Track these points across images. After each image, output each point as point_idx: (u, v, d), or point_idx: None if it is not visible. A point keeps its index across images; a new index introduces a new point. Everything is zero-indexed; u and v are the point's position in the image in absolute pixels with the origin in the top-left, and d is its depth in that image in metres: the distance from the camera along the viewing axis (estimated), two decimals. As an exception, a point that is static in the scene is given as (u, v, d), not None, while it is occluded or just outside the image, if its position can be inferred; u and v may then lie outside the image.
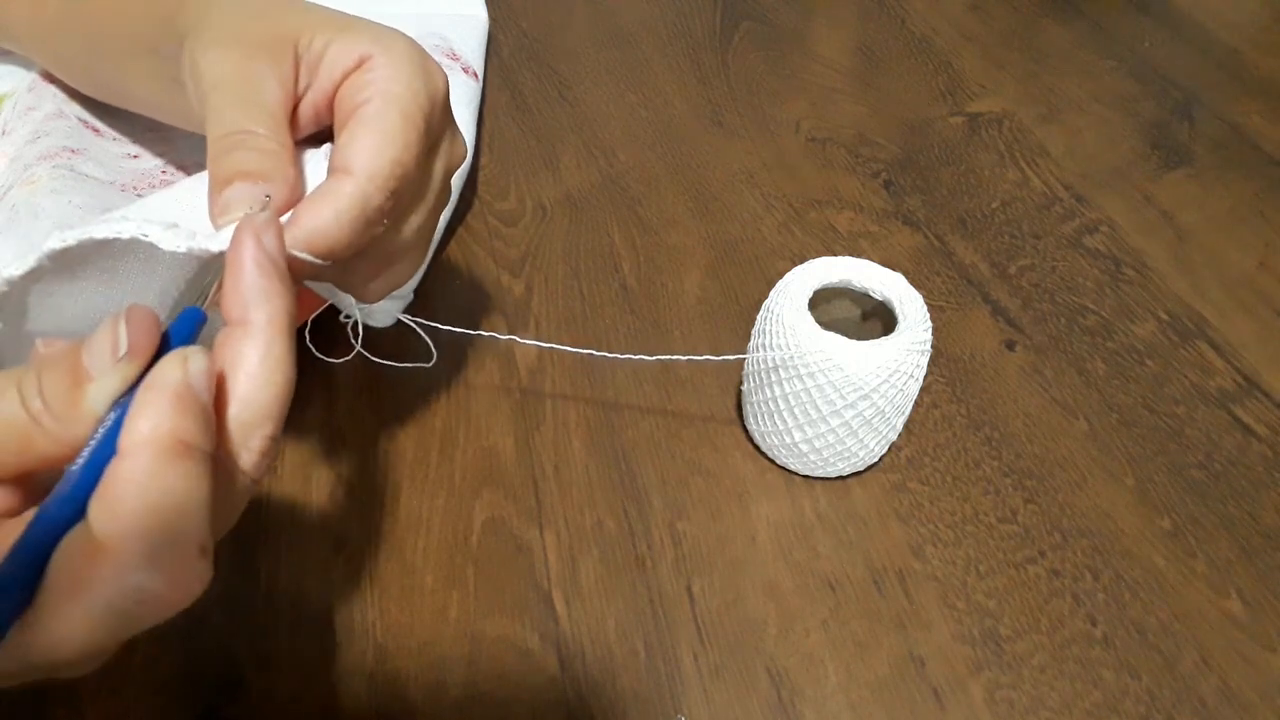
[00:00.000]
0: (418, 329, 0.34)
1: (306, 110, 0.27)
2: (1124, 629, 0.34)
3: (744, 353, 0.38)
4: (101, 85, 0.40)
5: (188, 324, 0.21)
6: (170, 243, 0.23)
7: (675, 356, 0.36)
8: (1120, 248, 0.50)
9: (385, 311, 0.39)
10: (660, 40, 0.65)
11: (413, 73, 0.26)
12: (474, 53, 0.56)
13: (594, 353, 0.36)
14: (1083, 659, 0.33)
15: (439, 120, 0.28)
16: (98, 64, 0.38)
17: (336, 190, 0.24)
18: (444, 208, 0.31)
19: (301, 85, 0.27)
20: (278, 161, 0.24)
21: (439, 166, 0.29)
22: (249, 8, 0.28)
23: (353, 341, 0.33)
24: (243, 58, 0.26)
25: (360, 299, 0.30)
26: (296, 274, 0.24)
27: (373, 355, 0.36)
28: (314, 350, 0.35)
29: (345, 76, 0.26)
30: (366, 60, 0.26)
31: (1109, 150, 0.56)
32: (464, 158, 0.30)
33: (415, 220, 0.28)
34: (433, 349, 0.38)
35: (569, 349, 0.37)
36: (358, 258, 0.27)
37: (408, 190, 0.26)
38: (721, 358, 0.36)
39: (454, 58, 0.53)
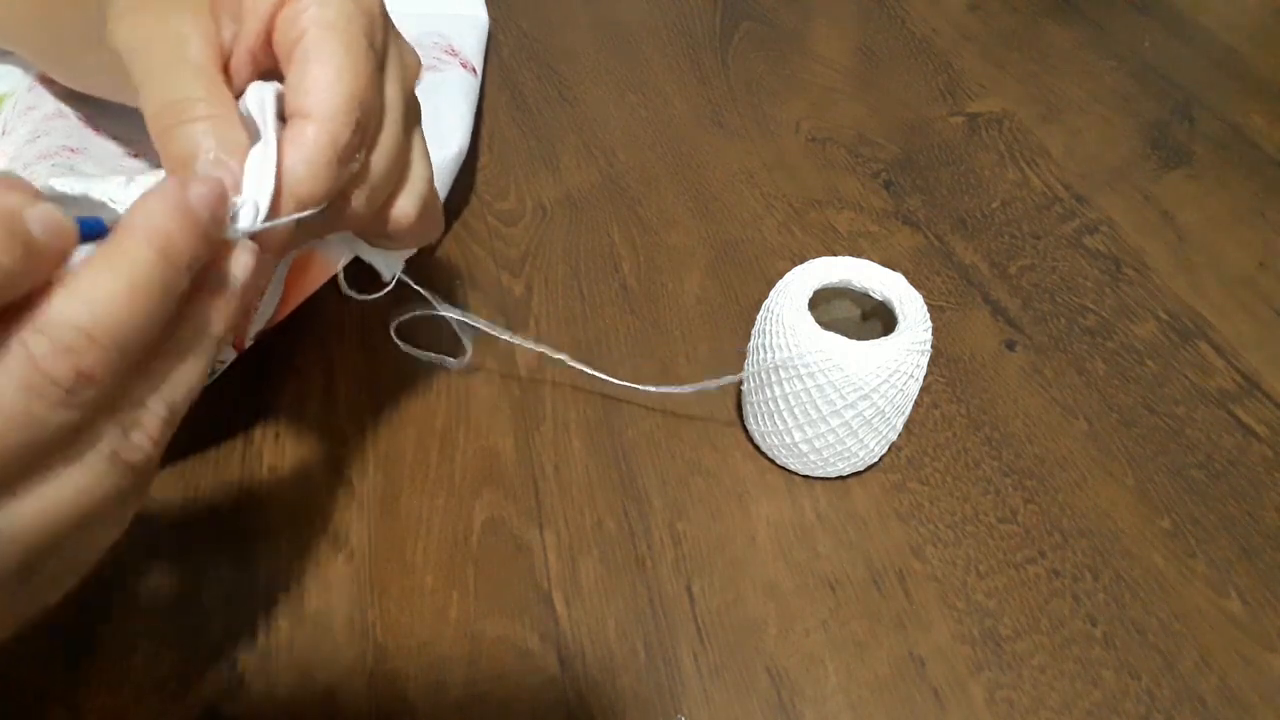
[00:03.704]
0: (440, 314, 0.34)
1: (241, 57, 0.25)
2: (1124, 629, 0.34)
3: (744, 355, 0.38)
4: (74, 76, 0.39)
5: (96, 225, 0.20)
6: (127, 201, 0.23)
7: (677, 389, 0.36)
8: (1120, 248, 0.50)
9: (389, 269, 0.38)
10: (660, 40, 0.65)
11: None
12: (473, 49, 0.56)
13: (603, 376, 0.37)
14: (1083, 659, 0.33)
15: (381, 35, 0.26)
16: (65, 55, 0.38)
17: (301, 138, 0.23)
18: (416, 123, 0.30)
19: (228, 34, 0.25)
20: (226, 129, 0.23)
21: (393, 83, 0.27)
22: None
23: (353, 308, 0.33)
24: (157, 20, 0.24)
25: (378, 240, 0.30)
26: (284, 241, 0.24)
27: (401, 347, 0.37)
28: (345, 288, 0.35)
29: (274, 13, 0.25)
30: None
31: (1109, 150, 0.56)
32: (418, 68, 0.29)
33: (387, 143, 0.27)
34: (468, 347, 0.38)
35: (583, 368, 0.37)
36: (344, 199, 0.26)
37: (371, 118, 0.25)
38: (720, 381, 0.36)
39: (452, 53, 0.53)
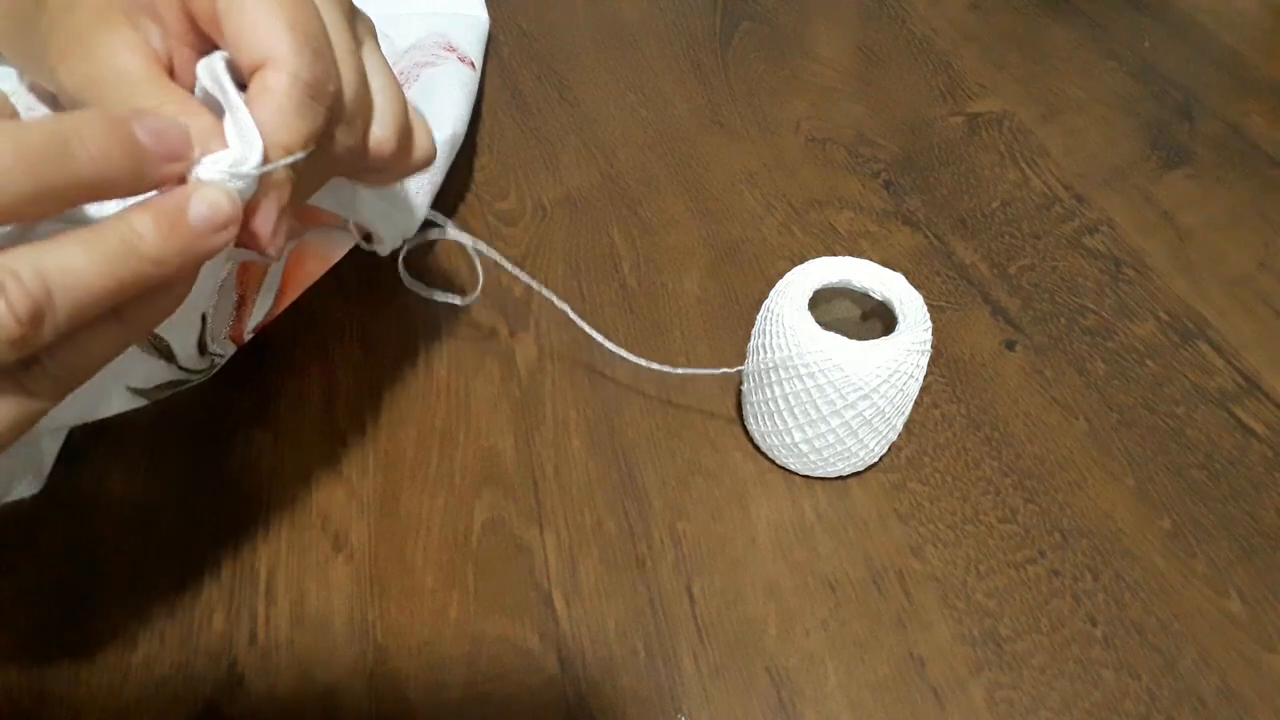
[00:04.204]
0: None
1: (181, 54, 0.25)
2: (1124, 629, 0.34)
3: (745, 354, 0.38)
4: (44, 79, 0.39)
5: None
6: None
7: (677, 370, 0.36)
8: (1120, 248, 0.50)
9: (391, 238, 0.37)
10: (660, 40, 0.65)
11: None
12: (471, 46, 0.56)
13: (611, 346, 0.36)
14: (1083, 659, 0.33)
15: None
16: (33, 63, 0.38)
17: (266, 88, 0.22)
18: (369, 40, 0.28)
19: (156, 40, 0.25)
20: (194, 120, 0.23)
21: (326, 4, 0.26)
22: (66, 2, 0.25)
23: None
24: (87, 55, 0.24)
25: (370, 178, 0.29)
26: (283, 196, 0.23)
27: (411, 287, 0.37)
28: (363, 244, 0.35)
29: None
30: None
31: (1109, 150, 0.56)
32: None
33: (344, 68, 0.25)
34: (480, 277, 0.37)
35: (584, 325, 0.37)
36: (327, 138, 0.25)
37: (324, 43, 0.24)
38: (719, 371, 0.36)
39: (450, 49, 0.53)
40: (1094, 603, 0.35)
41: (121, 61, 0.23)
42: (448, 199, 0.52)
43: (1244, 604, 0.35)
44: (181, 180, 0.21)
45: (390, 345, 0.44)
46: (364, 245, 0.35)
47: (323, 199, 0.30)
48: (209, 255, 0.21)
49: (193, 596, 0.34)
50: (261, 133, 0.22)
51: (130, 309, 0.21)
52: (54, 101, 0.43)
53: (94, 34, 0.24)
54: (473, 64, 0.54)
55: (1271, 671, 0.33)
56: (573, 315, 0.37)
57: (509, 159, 0.55)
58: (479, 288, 0.37)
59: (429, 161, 0.30)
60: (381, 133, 0.27)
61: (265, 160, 0.22)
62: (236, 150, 0.22)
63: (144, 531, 0.36)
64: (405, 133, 0.28)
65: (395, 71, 0.32)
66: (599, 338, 0.37)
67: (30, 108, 0.43)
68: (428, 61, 0.51)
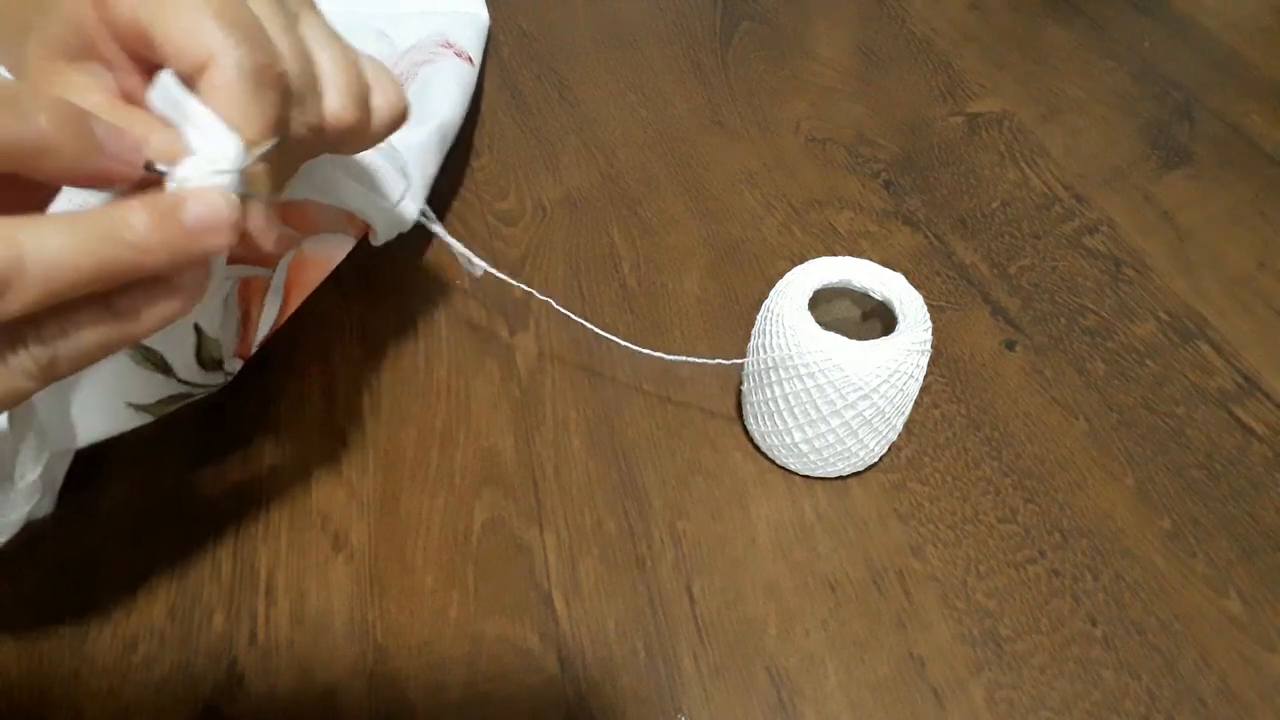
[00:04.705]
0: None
1: (129, 80, 0.25)
2: (1124, 629, 0.34)
3: (745, 354, 0.38)
4: None
5: None
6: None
7: (681, 358, 0.36)
8: (1120, 248, 0.50)
9: (384, 230, 0.37)
10: (660, 40, 0.65)
11: None
12: (469, 43, 0.56)
13: (602, 333, 0.36)
14: (1083, 659, 0.33)
15: None
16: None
17: (213, 87, 0.22)
18: (305, 10, 0.28)
19: (106, 76, 0.24)
20: (162, 139, 0.22)
21: None
22: (19, 47, 0.25)
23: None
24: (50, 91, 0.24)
25: (342, 149, 0.29)
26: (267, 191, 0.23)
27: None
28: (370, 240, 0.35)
29: (100, 21, 0.24)
30: None
31: (1109, 150, 0.56)
32: None
33: (286, 42, 0.25)
34: (470, 262, 0.36)
35: (571, 315, 0.37)
36: (284, 124, 0.25)
37: (254, 26, 0.24)
38: (717, 361, 0.37)
39: (447, 45, 0.53)
40: (1094, 603, 0.35)
41: (79, 100, 0.23)
42: (448, 199, 0.52)
43: (1244, 604, 0.35)
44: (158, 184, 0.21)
45: (390, 345, 0.44)
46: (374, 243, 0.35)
47: (301, 189, 0.30)
48: (203, 255, 0.21)
49: (193, 597, 0.34)
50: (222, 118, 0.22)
51: (121, 300, 0.21)
52: None
53: (46, 78, 0.24)
54: (470, 59, 0.54)
55: (1271, 671, 0.33)
56: (558, 307, 0.37)
57: (509, 159, 0.55)
58: (480, 268, 0.36)
59: (400, 116, 0.29)
60: (337, 103, 0.27)
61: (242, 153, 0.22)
62: (207, 151, 0.22)
63: (144, 532, 0.36)
64: (362, 97, 0.28)
65: (395, 72, 0.32)
66: (591, 327, 0.37)
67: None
68: (426, 60, 0.51)
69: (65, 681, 0.32)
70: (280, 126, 0.23)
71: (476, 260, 0.35)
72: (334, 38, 0.27)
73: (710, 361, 0.37)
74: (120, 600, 0.34)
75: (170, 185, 0.21)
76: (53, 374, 0.21)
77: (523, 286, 0.38)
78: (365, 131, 0.28)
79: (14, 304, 0.19)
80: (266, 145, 0.23)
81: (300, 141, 0.26)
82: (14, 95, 0.19)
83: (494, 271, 0.36)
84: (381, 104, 0.28)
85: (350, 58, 0.27)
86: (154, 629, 0.34)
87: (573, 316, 0.38)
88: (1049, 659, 0.33)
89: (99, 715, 0.31)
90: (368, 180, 0.34)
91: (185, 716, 0.31)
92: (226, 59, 0.22)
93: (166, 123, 0.22)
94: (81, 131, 0.20)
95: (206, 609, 0.34)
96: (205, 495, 0.38)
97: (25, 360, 0.21)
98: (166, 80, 0.22)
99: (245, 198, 0.23)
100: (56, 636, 0.33)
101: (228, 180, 0.22)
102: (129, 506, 0.37)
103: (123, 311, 0.22)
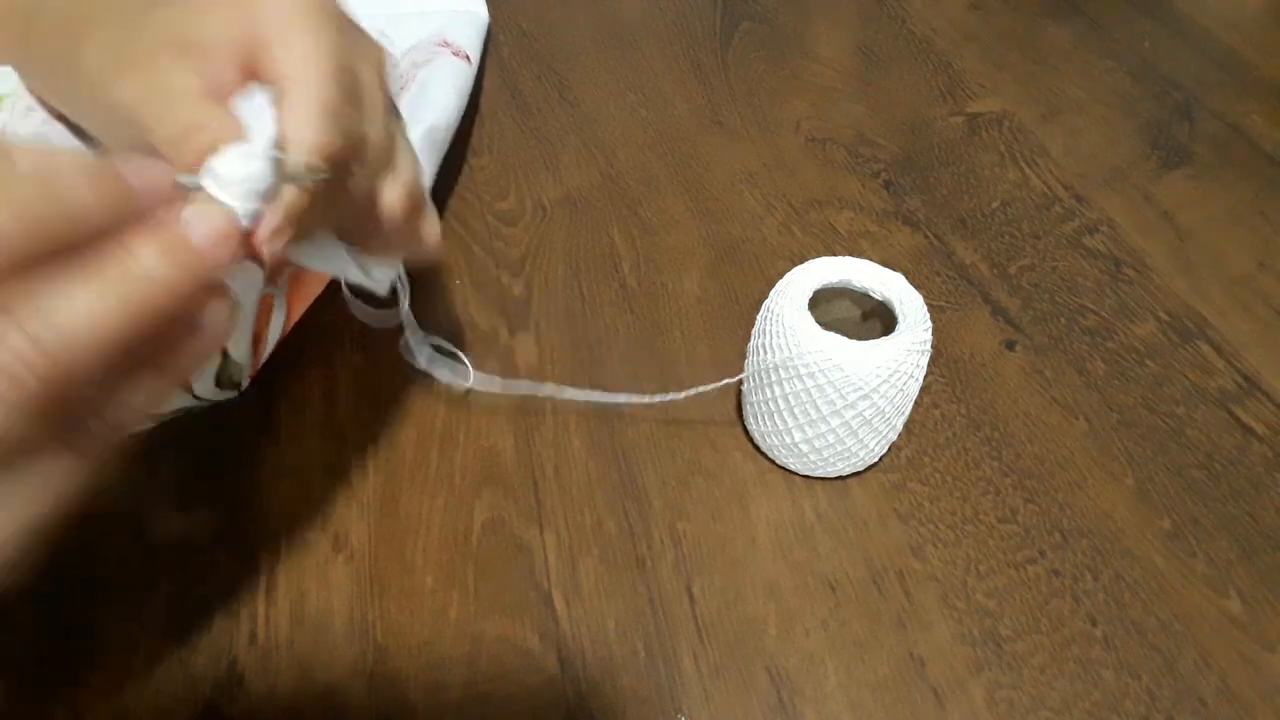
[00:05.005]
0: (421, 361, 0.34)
1: (227, 80, 0.27)
2: (1124, 629, 0.34)
3: (744, 356, 0.38)
4: (51, 95, 0.40)
5: None
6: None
7: (675, 395, 0.36)
8: (1120, 248, 0.50)
9: (379, 280, 0.38)
10: (660, 40, 0.65)
11: None
12: (468, 41, 0.56)
13: (600, 398, 0.37)
14: (1083, 659, 0.33)
15: (343, 20, 0.28)
16: (41, 74, 0.38)
17: (290, 97, 0.24)
18: (396, 116, 0.31)
19: (211, 74, 0.26)
20: (238, 135, 0.24)
21: (364, 64, 0.28)
22: (127, 31, 0.28)
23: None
24: (159, 73, 0.26)
25: (370, 242, 0.30)
26: (295, 210, 0.24)
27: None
28: (357, 303, 0.37)
29: (244, 32, 0.26)
30: (251, 8, 0.26)
31: (1109, 150, 0.56)
32: (383, 54, 0.30)
33: (371, 115, 0.28)
34: (469, 369, 0.39)
35: (577, 395, 0.38)
36: (344, 170, 0.27)
37: (350, 81, 0.26)
38: (717, 385, 0.37)
39: (445, 45, 0.53)
40: (1094, 603, 0.35)
41: (186, 83, 0.25)
42: (448, 199, 0.52)
43: (1244, 604, 0.35)
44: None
45: (390, 346, 0.44)
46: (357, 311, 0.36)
47: (314, 258, 0.30)
48: (216, 268, 0.21)
49: (193, 597, 0.34)
50: (281, 129, 0.24)
51: (162, 353, 0.22)
52: (54, 112, 0.43)
53: (153, 60, 0.26)
54: (467, 57, 0.54)
55: (1271, 671, 0.33)
56: (570, 393, 0.38)
57: (509, 159, 0.55)
58: (471, 377, 0.39)
59: (433, 247, 0.32)
60: (395, 194, 0.29)
61: (277, 147, 0.23)
62: (249, 146, 0.23)
63: (144, 532, 0.36)
64: (417, 203, 0.31)
65: (395, 74, 0.33)
66: (600, 398, 0.38)
67: (32, 107, 0.43)
68: (424, 61, 0.51)
69: (66, 681, 0.32)
70: (329, 157, 0.25)
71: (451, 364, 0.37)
72: (413, 151, 0.31)
73: (710, 388, 0.37)
74: (121, 600, 0.34)
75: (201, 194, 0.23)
76: (116, 441, 0.22)
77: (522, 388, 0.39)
78: (402, 236, 0.30)
79: (72, 386, 0.19)
80: (309, 168, 0.24)
81: (350, 200, 0.28)
82: (48, 190, 0.19)
83: (479, 384, 0.39)
84: (428, 229, 0.32)
85: (420, 171, 0.31)
86: (154, 629, 0.34)
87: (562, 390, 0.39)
88: (1049, 659, 0.33)
89: (99, 715, 0.31)
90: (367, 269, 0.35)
91: (185, 716, 0.31)
92: (312, 82, 0.25)
93: (238, 124, 0.24)
94: (121, 196, 0.20)
95: (206, 609, 0.34)
96: (205, 495, 0.38)
97: (91, 442, 0.21)
98: (260, 98, 0.25)
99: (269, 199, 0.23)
100: (57, 637, 0.33)
101: (257, 182, 0.23)
102: (129, 507, 0.37)
103: (163, 361, 0.22)
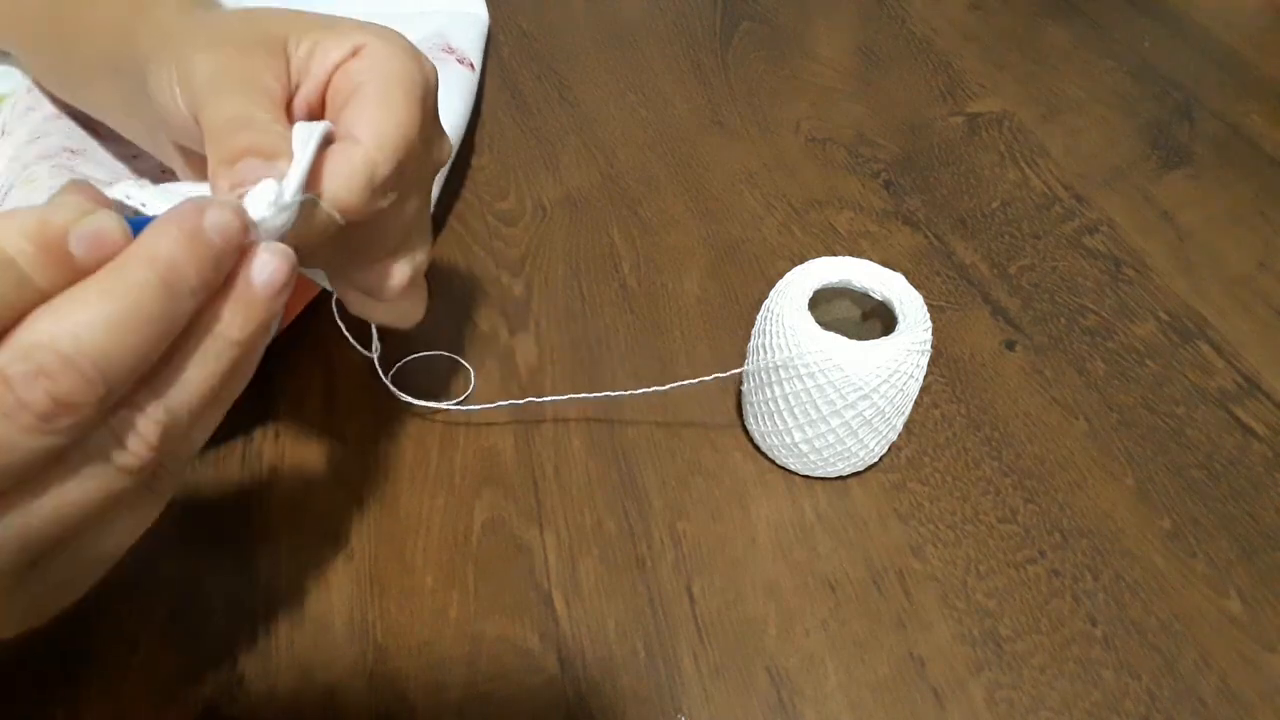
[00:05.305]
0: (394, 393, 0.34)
1: (300, 106, 0.27)
2: (1124, 629, 0.34)
3: (744, 354, 0.38)
4: (76, 98, 0.40)
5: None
6: (157, 206, 0.23)
7: (677, 384, 0.36)
8: (1120, 248, 0.50)
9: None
10: (660, 40, 0.65)
11: (408, 57, 0.27)
12: (471, 45, 0.56)
13: (606, 394, 0.36)
14: (1083, 659, 0.33)
15: (432, 106, 0.29)
16: (70, 77, 0.39)
17: (347, 154, 0.25)
18: (428, 203, 0.32)
19: (294, 83, 0.27)
20: (284, 142, 0.24)
21: (431, 156, 0.29)
22: (231, 19, 0.29)
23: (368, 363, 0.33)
24: (236, 54, 0.26)
25: (362, 302, 0.31)
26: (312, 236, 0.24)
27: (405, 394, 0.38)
28: (352, 340, 0.37)
29: (337, 67, 0.27)
30: (360, 49, 0.27)
31: (1109, 150, 0.56)
32: (449, 156, 0.31)
33: (413, 203, 0.29)
34: (472, 380, 0.39)
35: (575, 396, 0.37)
36: (363, 241, 0.27)
37: (410, 166, 0.27)
38: (716, 376, 0.37)
39: (449, 50, 0.53)
40: (1094, 603, 0.35)
41: (260, 74, 0.26)
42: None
43: (1244, 604, 0.35)
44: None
45: (389, 346, 0.44)
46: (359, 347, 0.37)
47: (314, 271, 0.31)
48: (278, 313, 0.22)
49: (193, 597, 0.34)
50: (317, 177, 0.24)
51: (225, 389, 0.22)
52: (64, 106, 0.43)
53: (254, 46, 0.27)
54: (471, 65, 0.54)
55: (1271, 671, 0.33)
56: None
57: (509, 159, 0.55)
58: (471, 387, 0.39)
59: (411, 323, 0.33)
60: (403, 273, 0.30)
61: (301, 190, 0.24)
62: (280, 188, 0.23)
63: (144, 531, 0.36)
64: (418, 282, 0.32)
65: None
66: (599, 395, 0.38)
67: (31, 107, 0.43)
68: None
69: (65, 681, 0.32)
70: (350, 215, 0.25)
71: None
72: (430, 236, 0.32)
73: (708, 379, 0.37)
74: (120, 599, 0.34)
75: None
76: (179, 431, 0.22)
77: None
78: (390, 306, 0.32)
79: (171, 447, 0.21)
80: (325, 224, 0.25)
81: (365, 254, 0.29)
82: (155, 282, 0.19)
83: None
84: (414, 307, 0.33)
85: (430, 250, 0.32)
86: (154, 629, 0.34)
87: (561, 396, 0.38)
88: (1049, 659, 0.33)
89: (99, 715, 0.31)
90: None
91: (185, 716, 0.31)
92: (373, 151, 0.25)
93: (286, 142, 0.24)
94: (207, 259, 0.20)
95: (206, 609, 0.34)
96: (205, 495, 0.38)
97: (165, 482, 0.22)
98: (318, 130, 0.25)
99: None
100: (57, 636, 0.33)
101: (279, 214, 0.23)
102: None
103: (224, 397, 0.23)
